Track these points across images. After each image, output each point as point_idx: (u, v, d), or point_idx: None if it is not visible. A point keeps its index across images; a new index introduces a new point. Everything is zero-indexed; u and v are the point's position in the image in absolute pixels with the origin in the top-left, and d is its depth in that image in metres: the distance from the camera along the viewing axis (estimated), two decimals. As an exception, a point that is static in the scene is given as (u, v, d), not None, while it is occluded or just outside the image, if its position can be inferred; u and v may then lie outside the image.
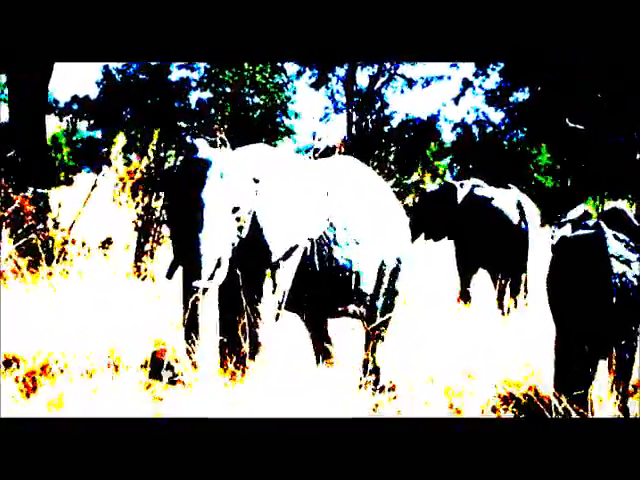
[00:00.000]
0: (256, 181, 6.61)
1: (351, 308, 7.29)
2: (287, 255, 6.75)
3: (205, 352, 6.70)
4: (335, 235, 7.01)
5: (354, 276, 7.13)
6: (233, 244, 6.54)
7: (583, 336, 6.52)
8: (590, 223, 6.85)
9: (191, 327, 6.40)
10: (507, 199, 11.52)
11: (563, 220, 7.10)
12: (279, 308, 6.88)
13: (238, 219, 6.51)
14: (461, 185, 11.72)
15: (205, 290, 6.38)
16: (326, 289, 7.06)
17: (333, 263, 7.02)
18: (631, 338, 6.66)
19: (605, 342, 6.56)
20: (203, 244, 6.34)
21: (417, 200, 12.59)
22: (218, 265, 6.42)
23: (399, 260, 7.46)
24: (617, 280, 6.49)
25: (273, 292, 6.79)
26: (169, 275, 6.56)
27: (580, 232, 6.78)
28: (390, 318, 7.48)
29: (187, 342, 6.41)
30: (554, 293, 6.82)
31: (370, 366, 7.36)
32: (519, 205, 11.49)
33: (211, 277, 6.39)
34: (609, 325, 6.51)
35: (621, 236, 6.73)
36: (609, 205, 7.52)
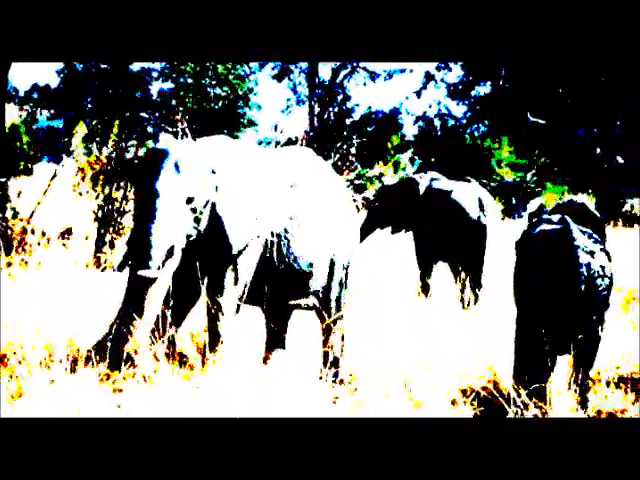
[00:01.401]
0: (214, 172, 6.59)
1: (303, 302, 7.30)
2: (246, 248, 6.74)
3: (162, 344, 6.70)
4: (291, 229, 7.01)
5: (307, 270, 7.14)
6: (190, 235, 6.52)
7: (549, 329, 6.57)
8: (555, 218, 6.90)
9: (131, 316, 6.38)
10: (466, 192, 11.57)
11: (523, 214, 7.15)
12: (240, 300, 6.87)
13: (194, 210, 6.49)
14: (420, 178, 11.79)
15: (153, 280, 6.36)
16: (281, 282, 7.06)
17: (289, 257, 7.03)
18: (595, 329, 6.71)
19: (570, 334, 6.62)
20: (154, 234, 6.31)
21: (377, 193, 12.61)
22: (169, 255, 6.40)
23: (349, 255, 7.50)
24: (584, 270, 6.55)
25: (235, 284, 6.78)
26: (121, 267, 6.51)
27: (546, 227, 6.83)
28: (342, 313, 7.50)
29: (122, 329, 6.39)
30: (521, 287, 6.86)
31: (330, 358, 7.37)
32: (478, 198, 11.55)
33: (160, 267, 6.37)
34: (576, 317, 6.57)
35: (585, 229, 6.79)
36: (566, 198, 7.58)
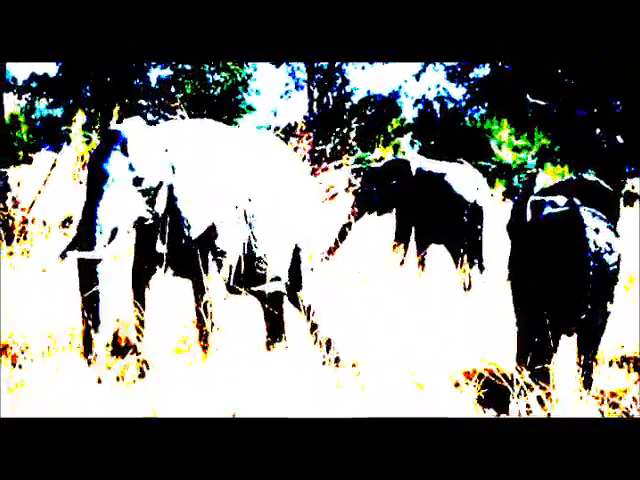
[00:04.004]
0: (169, 153, 6.52)
1: (265, 288, 7.22)
2: (213, 231, 6.68)
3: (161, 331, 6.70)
4: (251, 214, 6.96)
5: (267, 255, 7.08)
6: (144, 218, 6.47)
7: (554, 311, 6.56)
8: (559, 200, 6.88)
9: (91, 302, 6.36)
10: (461, 174, 11.52)
11: (525, 193, 7.13)
12: (227, 284, 6.87)
13: (144, 192, 6.43)
14: (411, 159, 11.76)
15: (97, 261, 6.31)
16: (248, 268, 7.03)
17: (250, 242, 6.99)
18: (604, 307, 6.68)
19: (576, 315, 6.60)
20: (99, 215, 6.27)
21: (365, 175, 12.47)
22: (113, 237, 6.36)
23: (309, 242, 7.46)
24: (592, 247, 6.54)
25: (218, 270, 6.75)
26: (65, 251, 6.43)
27: (552, 210, 6.81)
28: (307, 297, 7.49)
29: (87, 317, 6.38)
30: (526, 270, 6.83)
31: (324, 343, 7.34)
32: (473, 180, 11.51)
33: (103, 248, 6.30)
34: (584, 298, 6.55)
35: (591, 209, 6.78)
36: (575, 175, 7.57)
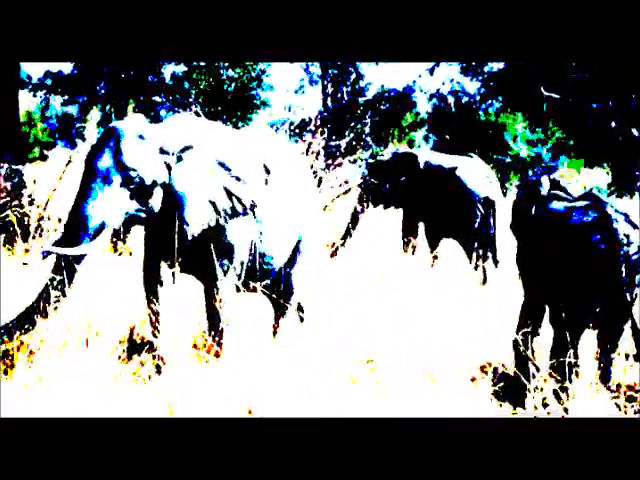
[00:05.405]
0: (164, 152, 6.49)
1: (260, 285, 7.21)
2: (213, 231, 6.65)
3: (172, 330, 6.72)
4: (261, 215, 6.95)
5: (266, 252, 7.08)
6: (138, 217, 6.42)
7: (575, 304, 6.56)
8: (562, 195, 6.88)
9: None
10: (472, 168, 11.47)
11: (531, 190, 7.13)
12: (239, 279, 6.87)
13: (137, 190, 6.38)
14: (419, 153, 11.73)
15: (80, 257, 6.30)
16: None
17: (260, 241, 6.98)
18: (625, 302, 6.65)
19: (599, 309, 6.59)
20: (86, 211, 6.24)
21: (370, 169, 12.39)
22: (98, 233, 6.31)
23: (308, 239, 7.47)
24: (620, 241, 6.54)
25: (229, 264, 6.74)
26: (47, 252, 6.38)
27: (578, 204, 6.80)
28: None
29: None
30: (545, 265, 6.82)
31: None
32: (485, 174, 11.46)
33: (87, 244, 6.27)
34: (611, 293, 6.54)
35: (611, 204, 6.78)
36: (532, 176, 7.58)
